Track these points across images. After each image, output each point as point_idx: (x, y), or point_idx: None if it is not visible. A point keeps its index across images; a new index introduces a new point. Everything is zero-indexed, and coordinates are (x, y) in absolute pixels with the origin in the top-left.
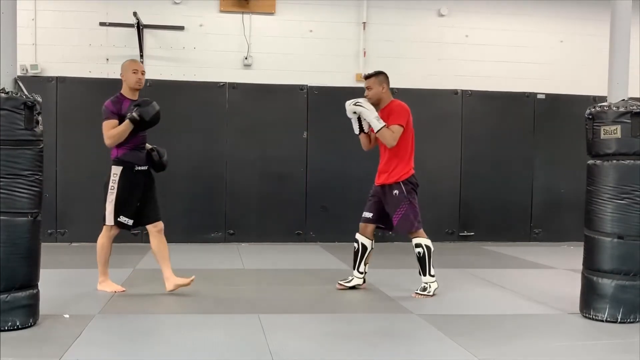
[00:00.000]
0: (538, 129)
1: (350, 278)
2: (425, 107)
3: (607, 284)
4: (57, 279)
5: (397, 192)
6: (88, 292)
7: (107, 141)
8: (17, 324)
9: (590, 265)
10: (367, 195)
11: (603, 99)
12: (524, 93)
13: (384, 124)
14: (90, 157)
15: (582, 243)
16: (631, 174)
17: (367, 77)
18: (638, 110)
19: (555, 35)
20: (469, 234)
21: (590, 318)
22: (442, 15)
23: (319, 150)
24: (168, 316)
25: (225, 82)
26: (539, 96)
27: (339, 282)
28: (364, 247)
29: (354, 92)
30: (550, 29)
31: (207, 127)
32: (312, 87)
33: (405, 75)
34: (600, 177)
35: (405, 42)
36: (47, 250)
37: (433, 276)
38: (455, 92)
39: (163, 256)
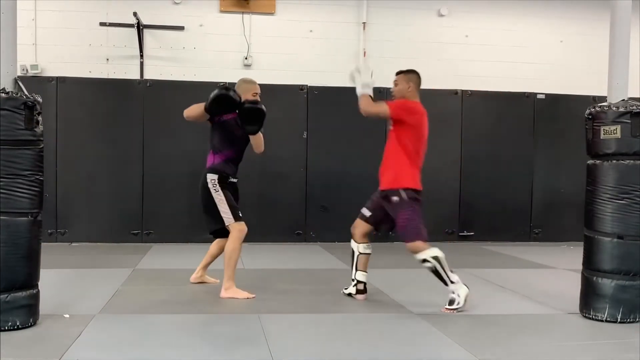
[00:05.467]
0: (538, 129)
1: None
2: (425, 107)
3: (607, 283)
4: (57, 279)
5: (397, 198)
6: (88, 292)
7: (185, 113)
8: (17, 324)
9: (590, 265)
10: (368, 194)
11: (603, 99)
12: (524, 93)
13: (366, 92)
14: (90, 157)
15: (582, 243)
16: (631, 174)
17: (397, 73)
18: (638, 110)
19: (555, 35)
20: (469, 234)
21: (590, 318)
22: (442, 15)
23: (319, 150)
24: (168, 316)
25: (225, 82)
26: (539, 96)
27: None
28: (352, 252)
29: (354, 92)
30: (550, 29)
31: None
32: (312, 87)
33: None
34: (600, 177)
35: (405, 42)
36: (47, 250)
37: (455, 283)
38: (455, 92)
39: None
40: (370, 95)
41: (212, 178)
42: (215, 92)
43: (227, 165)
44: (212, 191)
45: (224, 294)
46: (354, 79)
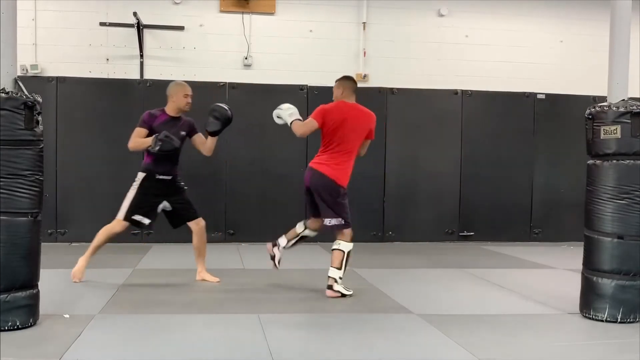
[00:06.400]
0: (538, 129)
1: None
2: (425, 107)
3: (607, 284)
4: (57, 279)
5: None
6: (88, 292)
7: (129, 144)
8: (17, 324)
9: (590, 265)
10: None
11: (603, 99)
12: (524, 93)
13: (294, 118)
14: (90, 157)
15: (582, 243)
16: (631, 174)
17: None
18: (638, 110)
19: (555, 35)
20: (469, 234)
21: (590, 318)
22: (442, 15)
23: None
24: (168, 316)
25: (225, 82)
26: (539, 96)
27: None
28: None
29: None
30: (550, 29)
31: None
32: (312, 87)
33: (405, 75)
34: (600, 177)
35: (405, 42)
36: (47, 250)
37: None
38: (455, 92)
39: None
40: (298, 118)
41: (139, 177)
42: (159, 145)
43: (157, 164)
44: (132, 186)
45: (74, 268)
46: (281, 116)
